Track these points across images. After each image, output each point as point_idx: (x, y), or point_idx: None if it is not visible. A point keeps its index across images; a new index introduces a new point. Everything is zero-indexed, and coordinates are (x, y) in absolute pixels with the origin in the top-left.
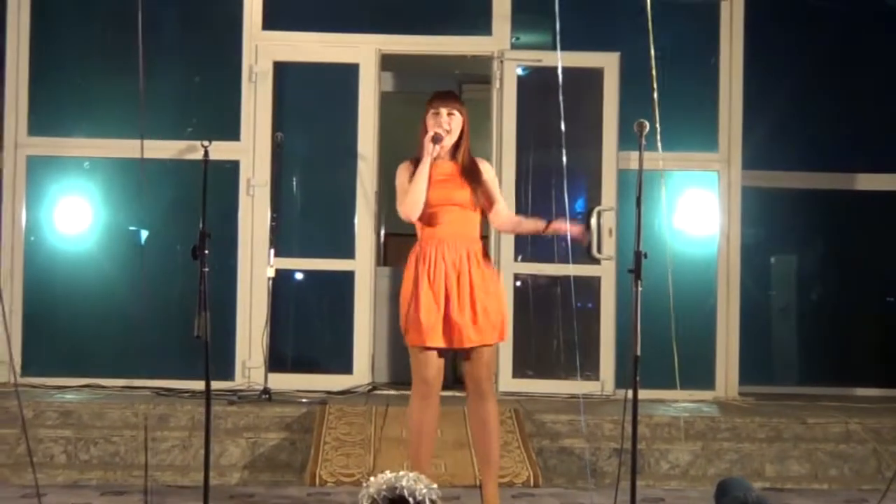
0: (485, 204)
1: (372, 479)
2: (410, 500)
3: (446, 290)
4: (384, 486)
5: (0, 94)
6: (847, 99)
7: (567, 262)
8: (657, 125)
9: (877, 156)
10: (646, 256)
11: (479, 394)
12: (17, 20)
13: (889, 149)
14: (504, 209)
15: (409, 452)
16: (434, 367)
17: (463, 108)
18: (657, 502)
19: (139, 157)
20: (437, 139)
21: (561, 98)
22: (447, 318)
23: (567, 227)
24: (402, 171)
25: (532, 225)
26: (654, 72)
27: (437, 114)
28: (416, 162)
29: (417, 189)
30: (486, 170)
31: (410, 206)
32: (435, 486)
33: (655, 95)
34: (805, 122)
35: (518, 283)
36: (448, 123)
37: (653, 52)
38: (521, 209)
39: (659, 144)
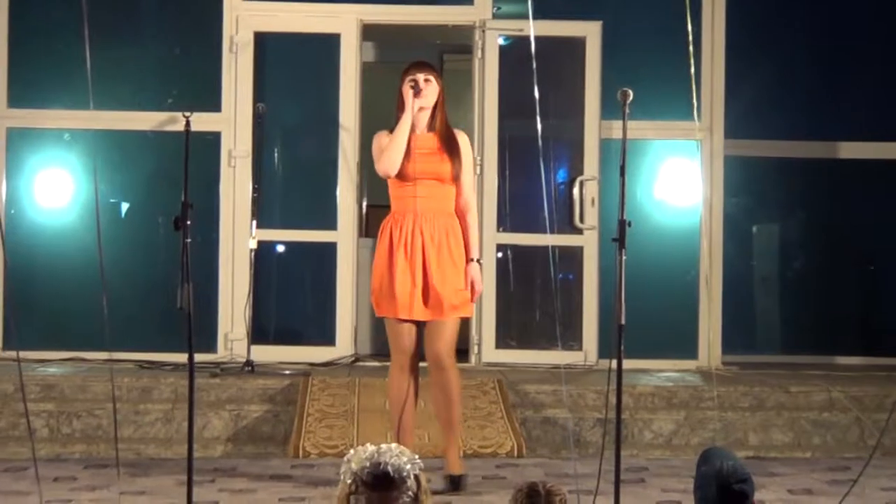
0: None
1: (352, 451)
2: (396, 476)
3: (425, 262)
4: (367, 463)
5: None
6: (829, 67)
7: (549, 231)
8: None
9: (859, 124)
10: (629, 225)
11: (440, 366)
12: None
13: (871, 117)
14: (464, 194)
15: (392, 423)
16: (410, 336)
17: (439, 77)
18: (641, 471)
19: (121, 128)
20: (416, 90)
21: (534, 67)
22: (427, 290)
23: (471, 283)
24: (380, 137)
25: (468, 244)
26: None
27: (415, 78)
28: (390, 132)
29: (398, 141)
30: (465, 145)
31: (389, 161)
32: (417, 457)
33: None
34: (787, 91)
35: (500, 254)
36: (425, 87)
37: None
38: (503, 179)
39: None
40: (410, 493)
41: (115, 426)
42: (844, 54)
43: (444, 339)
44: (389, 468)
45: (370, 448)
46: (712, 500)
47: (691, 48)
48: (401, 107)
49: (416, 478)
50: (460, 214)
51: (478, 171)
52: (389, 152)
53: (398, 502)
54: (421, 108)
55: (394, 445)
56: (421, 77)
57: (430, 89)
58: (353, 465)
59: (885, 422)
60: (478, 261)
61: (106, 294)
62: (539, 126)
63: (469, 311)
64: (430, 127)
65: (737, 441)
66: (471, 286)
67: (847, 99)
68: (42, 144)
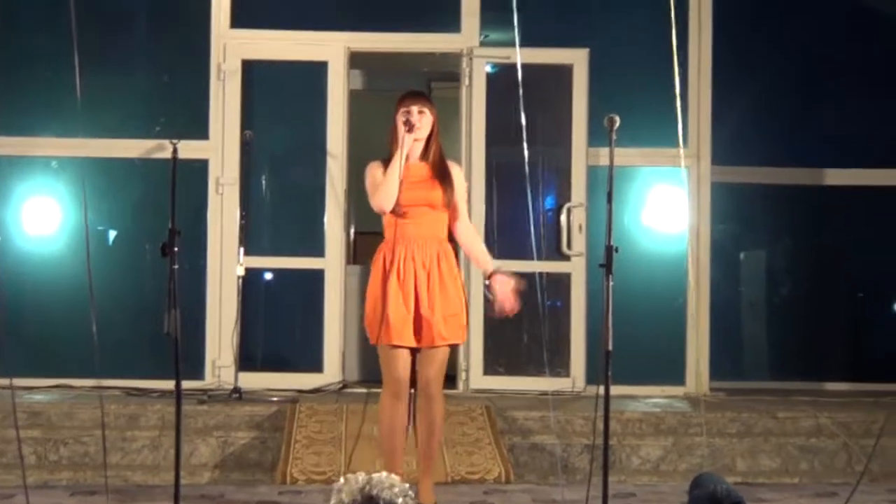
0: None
1: (342, 480)
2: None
3: (416, 289)
4: (359, 496)
5: None
6: (814, 94)
7: (537, 258)
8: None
9: (845, 151)
10: (617, 251)
11: (427, 394)
12: None
13: (857, 144)
14: (465, 221)
15: (382, 450)
16: (404, 363)
17: (433, 107)
18: (629, 497)
19: (108, 156)
20: (409, 126)
21: (521, 95)
22: (417, 317)
23: (499, 299)
24: (373, 168)
25: (480, 261)
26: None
27: (409, 112)
28: (386, 162)
29: (391, 180)
30: (457, 175)
31: (384, 197)
32: (407, 486)
33: None
34: (773, 118)
35: (487, 281)
36: (419, 121)
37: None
38: (490, 207)
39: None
40: None
41: (104, 453)
42: (830, 82)
43: (435, 367)
44: (382, 498)
45: (361, 478)
46: None
47: (678, 75)
48: (395, 139)
49: None
50: (465, 236)
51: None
52: (384, 190)
53: None
54: (415, 140)
55: (384, 475)
56: (415, 109)
57: (424, 121)
58: (345, 497)
59: (873, 448)
60: (493, 274)
61: (94, 321)
62: (526, 153)
63: (461, 337)
64: (424, 156)
65: (724, 467)
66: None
67: (833, 126)
68: (30, 172)
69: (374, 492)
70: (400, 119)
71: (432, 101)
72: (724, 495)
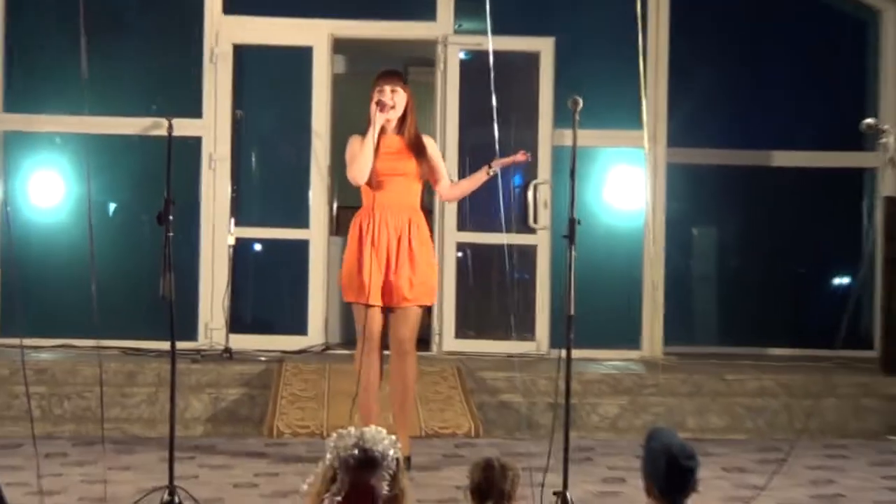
0: (430, 177)
1: (335, 435)
2: (380, 459)
3: (387, 253)
4: (354, 449)
5: None
6: (763, 81)
7: (506, 231)
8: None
9: (790, 133)
10: (579, 223)
11: (401, 352)
12: None
13: (802, 127)
14: (447, 180)
15: (360, 404)
16: (378, 323)
17: (406, 86)
18: (588, 451)
19: (108, 132)
20: (381, 105)
21: (492, 80)
22: (391, 278)
23: (509, 159)
24: (353, 142)
25: (475, 179)
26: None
27: (382, 91)
28: (365, 135)
29: (365, 155)
30: (430, 144)
31: (358, 171)
32: (394, 437)
33: None
34: (725, 103)
35: (460, 252)
36: (391, 99)
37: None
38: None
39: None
40: (390, 472)
41: (101, 408)
42: (778, 70)
43: (408, 327)
44: (375, 452)
45: (354, 433)
46: (661, 473)
47: (640, 63)
48: (372, 118)
49: (396, 459)
50: (451, 189)
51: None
52: (358, 164)
53: (380, 481)
54: (387, 119)
55: (373, 428)
56: (388, 88)
57: (398, 98)
58: (341, 452)
59: (811, 407)
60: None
61: (94, 286)
62: (496, 133)
63: (430, 299)
64: (399, 130)
65: (676, 424)
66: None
67: (780, 111)
68: (35, 147)
69: (368, 445)
70: (373, 99)
71: (405, 79)
72: (680, 448)
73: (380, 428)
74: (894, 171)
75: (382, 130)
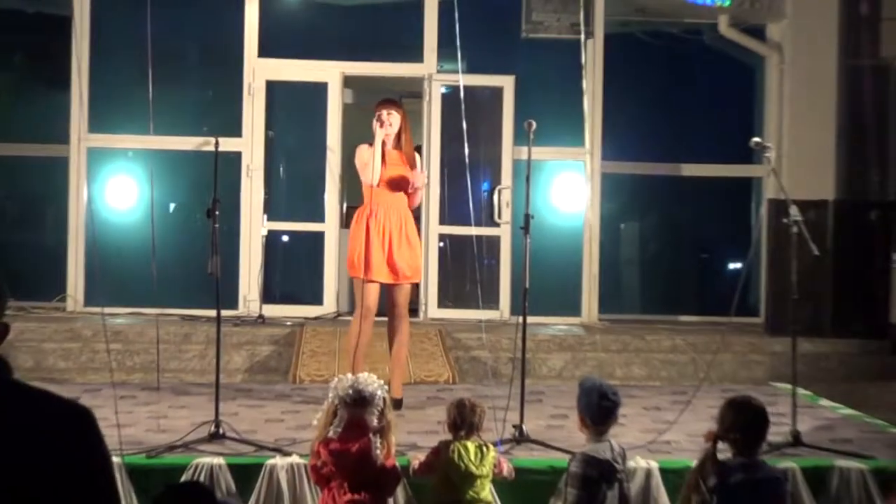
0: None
1: (336, 379)
2: (369, 397)
3: (390, 240)
4: (350, 389)
5: (68, 103)
6: (676, 110)
7: (478, 224)
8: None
9: (696, 150)
10: (533, 218)
11: (399, 316)
12: (81, 48)
13: (705, 145)
14: (419, 195)
15: (353, 356)
16: (375, 296)
17: (400, 109)
18: (539, 394)
19: (170, 148)
20: (380, 122)
21: (463, 109)
22: (390, 260)
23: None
24: (361, 149)
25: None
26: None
27: (380, 113)
28: (370, 144)
29: (375, 162)
30: (417, 160)
31: (371, 175)
32: (381, 381)
33: None
34: (647, 127)
35: (441, 243)
36: (388, 118)
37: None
38: (444, 192)
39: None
40: (379, 408)
41: (157, 361)
42: (686, 102)
43: (403, 297)
44: (366, 392)
45: (350, 378)
46: (594, 405)
47: (581, 95)
48: (375, 134)
49: (384, 398)
50: (417, 199)
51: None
52: (370, 171)
53: (371, 415)
54: (386, 134)
55: (366, 374)
56: (385, 112)
57: (393, 119)
58: (340, 392)
59: (711, 361)
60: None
61: (157, 267)
62: (467, 150)
63: (419, 278)
64: (396, 146)
65: (607, 374)
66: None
67: (688, 133)
68: (112, 160)
69: (361, 387)
70: (375, 120)
71: (400, 105)
72: (607, 387)
73: (371, 374)
74: (775, 178)
75: (384, 144)
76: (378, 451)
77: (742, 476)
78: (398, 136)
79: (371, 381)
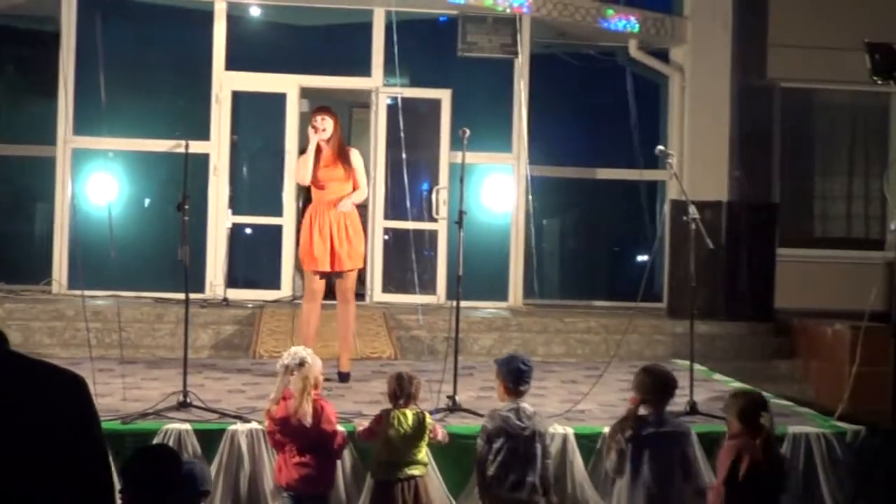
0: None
1: (285, 353)
2: (304, 362)
3: (331, 233)
4: (294, 356)
5: (55, 108)
6: (592, 121)
7: (418, 220)
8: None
9: (609, 156)
10: (465, 214)
11: (345, 300)
12: (67, 61)
13: (617, 152)
14: (359, 183)
15: (300, 334)
16: (319, 283)
17: (333, 115)
18: (471, 369)
19: (146, 150)
20: (314, 129)
21: (400, 119)
22: (332, 251)
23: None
24: (299, 159)
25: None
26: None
27: (315, 119)
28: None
29: (306, 164)
30: (355, 156)
31: (301, 176)
32: (310, 351)
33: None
34: (567, 136)
35: (386, 236)
36: (322, 124)
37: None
38: (388, 191)
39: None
40: (304, 368)
41: (118, 338)
42: (601, 114)
43: (348, 283)
44: (302, 358)
45: (293, 349)
46: (514, 370)
47: (510, 106)
48: (310, 139)
49: (310, 366)
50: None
51: (372, 180)
52: (301, 170)
53: (302, 375)
54: (322, 139)
55: (302, 348)
56: (319, 118)
57: (327, 124)
58: (286, 360)
59: (620, 340)
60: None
61: (133, 254)
62: (405, 155)
63: (361, 265)
64: (331, 146)
65: (530, 351)
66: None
67: (602, 141)
68: (95, 160)
69: (301, 354)
70: (311, 125)
71: (333, 111)
72: (522, 358)
73: (308, 348)
74: (677, 182)
75: (320, 148)
76: (302, 412)
77: (652, 429)
78: (331, 137)
79: (309, 353)
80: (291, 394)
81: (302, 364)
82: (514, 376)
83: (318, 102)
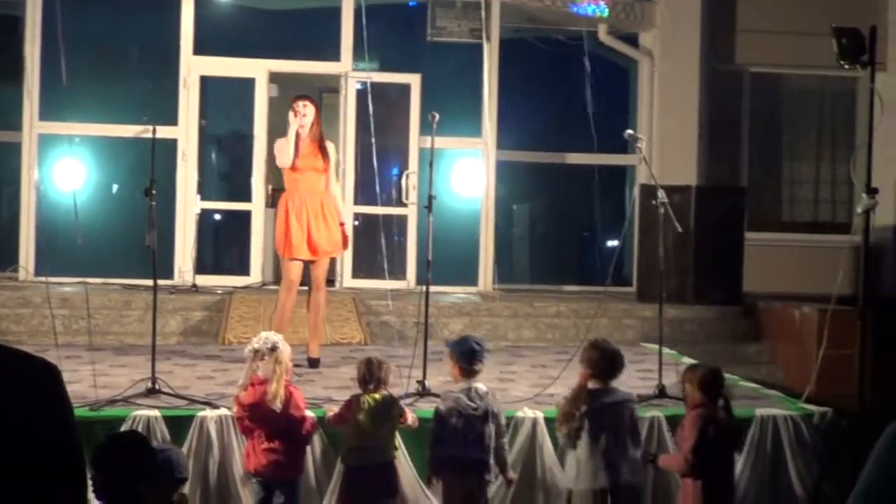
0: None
1: (255, 337)
2: (275, 346)
3: (308, 220)
4: (263, 340)
5: (20, 94)
6: (562, 106)
7: (388, 205)
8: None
9: (580, 141)
10: (435, 198)
11: (317, 287)
12: (32, 45)
13: (587, 137)
14: (331, 183)
15: (275, 321)
16: (297, 271)
17: (314, 103)
18: (440, 354)
19: (113, 135)
20: (296, 113)
21: (370, 104)
22: (310, 239)
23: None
24: (278, 141)
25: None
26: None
27: (297, 105)
28: (285, 137)
29: (289, 147)
30: (331, 149)
31: (284, 158)
32: (280, 338)
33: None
34: (536, 120)
35: (356, 221)
36: (304, 110)
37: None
38: (358, 176)
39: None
40: (277, 353)
41: (86, 324)
42: (571, 99)
43: (321, 270)
44: (272, 342)
45: (264, 334)
46: (467, 351)
47: (483, 91)
48: (290, 123)
49: (281, 351)
50: (327, 187)
51: (342, 168)
52: (284, 152)
53: (274, 359)
54: (302, 125)
55: (273, 333)
56: (301, 104)
57: (308, 111)
58: (255, 344)
59: (590, 324)
60: (342, 223)
61: (101, 241)
62: (374, 140)
63: (338, 253)
64: (310, 135)
65: (500, 336)
66: (344, 238)
67: (573, 126)
68: (60, 145)
69: (272, 338)
70: (291, 111)
71: (314, 99)
72: (476, 339)
73: (280, 334)
74: (646, 166)
75: (299, 136)
76: (269, 398)
77: (603, 401)
78: (312, 126)
79: (279, 339)
80: (260, 379)
81: (274, 349)
82: (468, 357)
83: (287, 87)
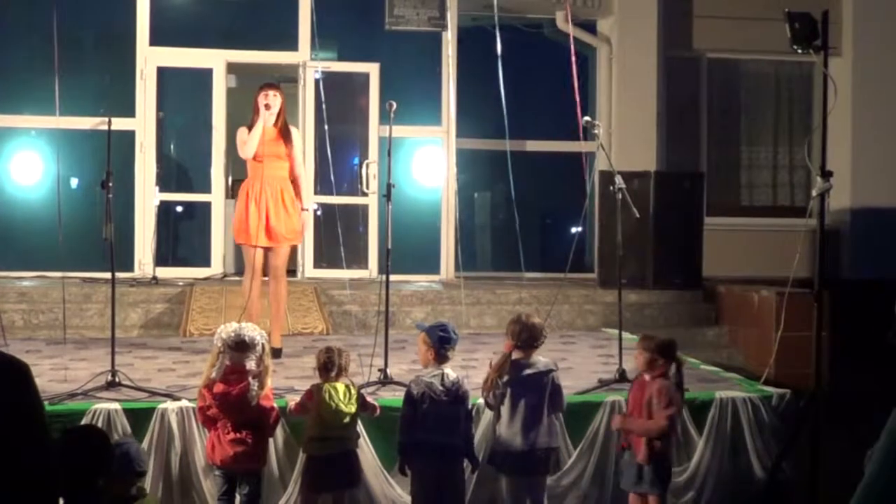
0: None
1: (222, 326)
2: (249, 342)
3: (267, 208)
4: (233, 333)
5: None
6: (521, 92)
7: (348, 194)
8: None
9: (539, 128)
10: (394, 186)
11: (276, 276)
12: None
13: (546, 124)
14: (298, 168)
15: (247, 312)
16: (259, 258)
17: (282, 92)
18: (403, 343)
19: (70, 128)
20: (267, 106)
21: (321, 92)
22: (268, 226)
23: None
24: (241, 131)
25: (300, 197)
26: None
27: (266, 95)
28: (250, 127)
29: (254, 138)
30: (296, 135)
31: (248, 150)
32: (263, 331)
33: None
34: (495, 108)
35: (318, 211)
36: (273, 101)
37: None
38: (318, 165)
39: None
40: (258, 353)
41: (63, 318)
42: (528, 86)
43: (281, 258)
44: (246, 337)
45: (233, 325)
46: (444, 338)
47: (442, 79)
48: (256, 111)
49: (262, 345)
50: (294, 179)
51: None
52: (249, 145)
53: (250, 359)
54: (269, 114)
55: (247, 324)
56: (271, 93)
57: (277, 101)
58: (223, 335)
59: (553, 310)
60: (304, 209)
61: (60, 234)
62: (333, 128)
63: (298, 241)
64: (275, 124)
65: (463, 323)
66: (303, 226)
67: (532, 113)
68: (17, 138)
69: (242, 332)
70: (261, 101)
71: (281, 88)
72: (439, 324)
73: (253, 324)
74: (604, 153)
75: (264, 123)
76: (254, 393)
77: (526, 371)
78: (278, 114)
79: (252, 329)
80: (236, 370)
81: (256, 343)
82: (444, 342)
83: (245, 77)
